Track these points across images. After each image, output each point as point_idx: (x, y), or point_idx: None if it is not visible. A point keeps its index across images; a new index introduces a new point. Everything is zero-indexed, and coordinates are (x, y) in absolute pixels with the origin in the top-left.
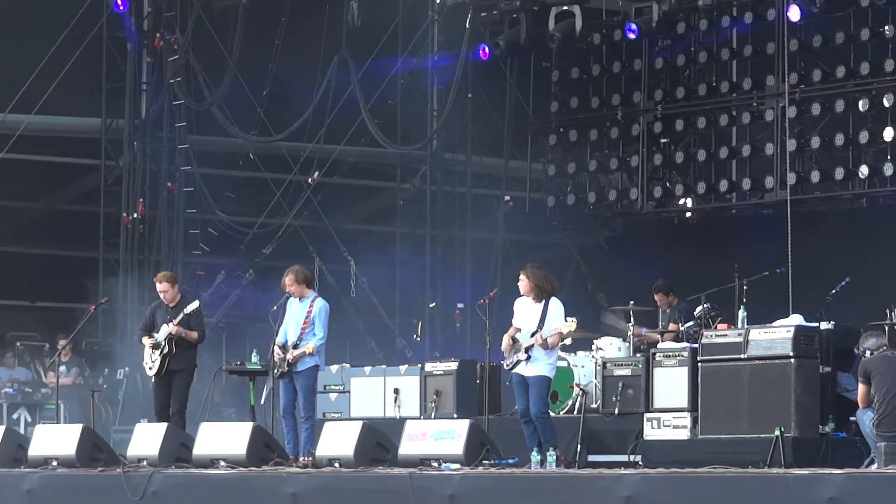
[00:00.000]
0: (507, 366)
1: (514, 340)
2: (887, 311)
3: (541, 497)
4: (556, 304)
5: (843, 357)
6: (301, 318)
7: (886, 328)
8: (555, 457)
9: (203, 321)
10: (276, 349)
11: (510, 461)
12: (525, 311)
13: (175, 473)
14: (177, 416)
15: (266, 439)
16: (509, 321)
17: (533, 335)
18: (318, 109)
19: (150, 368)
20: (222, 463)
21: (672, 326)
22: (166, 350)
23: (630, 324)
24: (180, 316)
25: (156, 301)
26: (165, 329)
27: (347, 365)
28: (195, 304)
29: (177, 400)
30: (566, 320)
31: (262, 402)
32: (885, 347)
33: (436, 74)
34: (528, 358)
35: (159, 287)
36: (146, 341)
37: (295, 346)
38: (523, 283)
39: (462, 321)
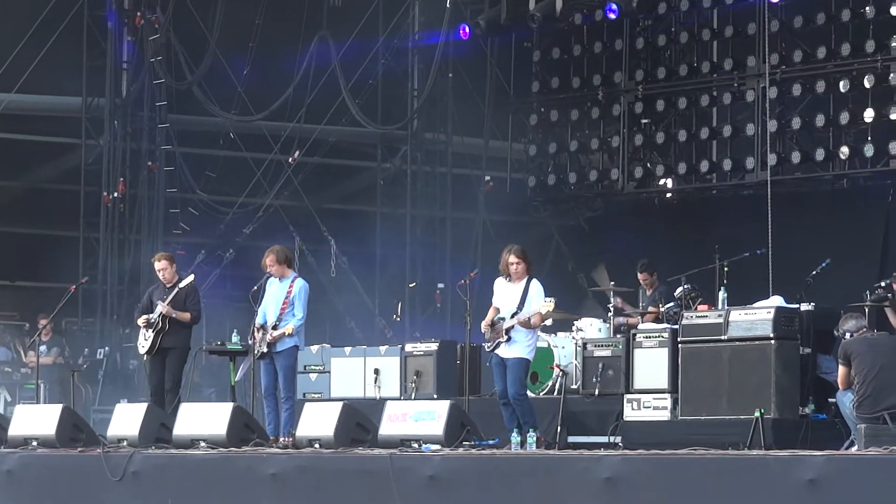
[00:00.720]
0: (488, 347)
1: (493, 322)
2: (866, 293)
3: (521, 478)
4: (535, 285)
5: (824, 339)
6: (281, 298)
7: (866, 310)
8: (535, 438)
9: (199, 301)
10: (256, 330)
11: (490, 442)
12: (505, 291)
13: (155, 454)
14: (170, 394)
15: (246, 420)
16: (489, 301)
17: (513, 316)
18: (298, 89)
19: (143, 346)
20: (202, 443)
21: (652, 308)
22: (159, 326)
23: (610, 304)
24: (174, 291)
25: (154, 284)
26: (159, 309)
27: (327, 345)
28: (190, 278)
29: (170, 378)
30: (545, 300)
31: (237, 380)
32: (864, 329)
33: (416, 54)
34: (508, 339)
35: (158, 265)
36: (140, 321)
37: (275, 327)
38: (520, 266)
39: (442, 301)
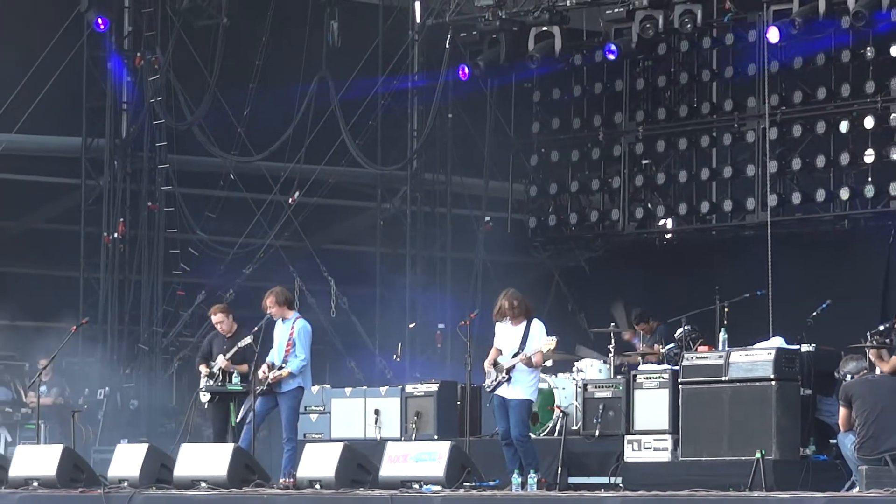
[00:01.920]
0: (489, 387)
1: (496, 363)
2: (866, 334)
3: None
4: (537, 325)
5: (824, 380)
6: (284, 339)
7: (867, 352)
8: (536, 479)
9: (254, 355)
10: (265, 368)
11: (491, 483)
12: (506, 333)
13: (156, 494)
14: (233, 438)
15: (247, 460)
16: (490, 342)
17: (515, 356)
18: (298, 129)
19: (205, 395)
20: (203, 484)
21: (652, 348)
22: (220, 379)
23: (610, 346)
24: (234, 349)
25: (213, 331)
26: (220, 360)
27: (328, 386)
28: (248, 339)
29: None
30: (548, 339)
31: (237, 421)
32: (865, 371)
33: (416, 95)
34: (509, 379)
35: (214, 319)
36: (203, 369)
37: (279, 368)
38: (516, 309)
39: (443, 342)
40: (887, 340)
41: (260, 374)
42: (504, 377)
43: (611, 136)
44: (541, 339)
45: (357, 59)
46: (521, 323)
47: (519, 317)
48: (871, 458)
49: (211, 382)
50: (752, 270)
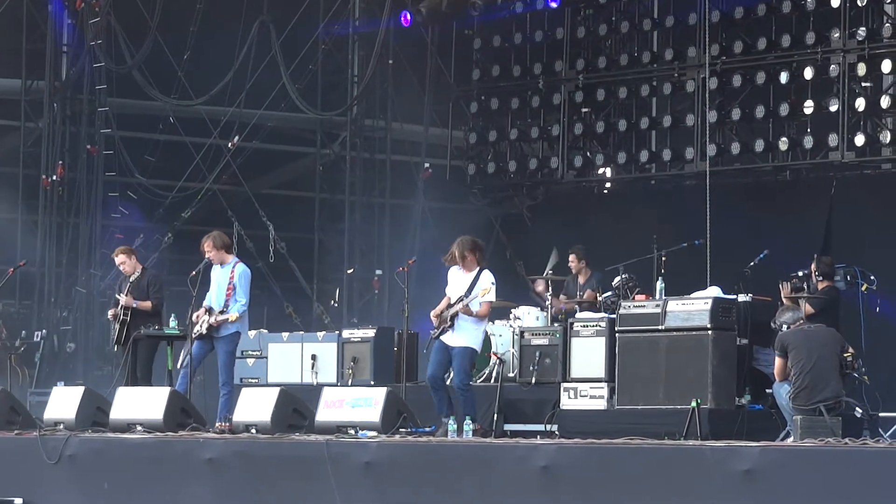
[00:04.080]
0: (433, 334)
1: (443, 311)
2: (781, 282)
3: (457, 466)
4: (486, 275)
5: (761, 330)
6: (224, 284)
7: (780, 302)
8: (471, 426)
9: (161, 290)
10: (203, 312)
11: (427, 430)
12: (456, 280)
13: (92, 437)
14: (142, 383)
15: (183, 404)
16: (427, 289)
17: (459, 302)
18: (238, 74)
19: (112, 338)
20: (139, 427)
21: (588, 294)
22: (122, 318)
23: (547, 293)
24: (128, 284)
25: (121, 276)
26: (122, 298)
27: (265, 330)
28: (144, 271)
29: (140, 367)
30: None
31: (178, 367)
32: (801, 321)
33: (357, 40)
34: (452, 326)
35: (117, 260)
36: (110, 313)
37: (221, 312)
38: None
39: (380, 288)
40: (804, 285)
41: (195, 317)
42: (447, 325)
43: (551, 84)
44: (488, 291)
45: (299, 3)
46: (473, 271)
47: (470, 265)
48: (806, 408)
49: (116, 323)
50: (691, 220)
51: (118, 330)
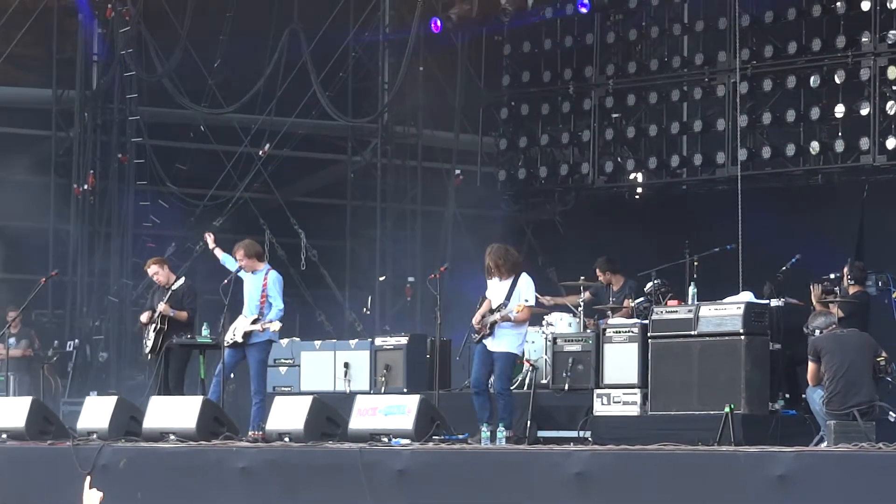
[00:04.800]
0: (475, 340)
1: (484, 316)
2: (812, 284)
3: (490, 473)
4: (524, 280)
5: (794, 335)
6: (257, 292)
7: (813, 306)
8: (504, 433)
9: (195, 300)
10: (242, 319)
11: (460, 437)
12: (495, 286)
13: (125, 447)
14: (175, 392)
15: (216, 413)
16: (460, 295)
17: (498, 310)
18: (269, 81)
19: (146, 346)
20: (172, 436)
21: (625, 303)
22: (158, 326)
23: (581, 298)
24: (168, 294)
25: (154, 287)
26: (160, 306)
27: (297, 339)
28: (181, 281)
29: (173, 377)
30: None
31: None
32: (833, 326)
33: (387, 47)
34: (492, 334)
35: (150, 271)
36: (143, 318)
37: (256, 321)
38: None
39: (412, 295)
40: (836, 289)
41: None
42: (487, 332)
43: (581, 89)
44: (526, 295)
45: (328, 11)
46: (510, 278)
47: (506, 273)
48: (840, 413)
49: (151, 330)
50: (723, 225)
51: (153, 339)
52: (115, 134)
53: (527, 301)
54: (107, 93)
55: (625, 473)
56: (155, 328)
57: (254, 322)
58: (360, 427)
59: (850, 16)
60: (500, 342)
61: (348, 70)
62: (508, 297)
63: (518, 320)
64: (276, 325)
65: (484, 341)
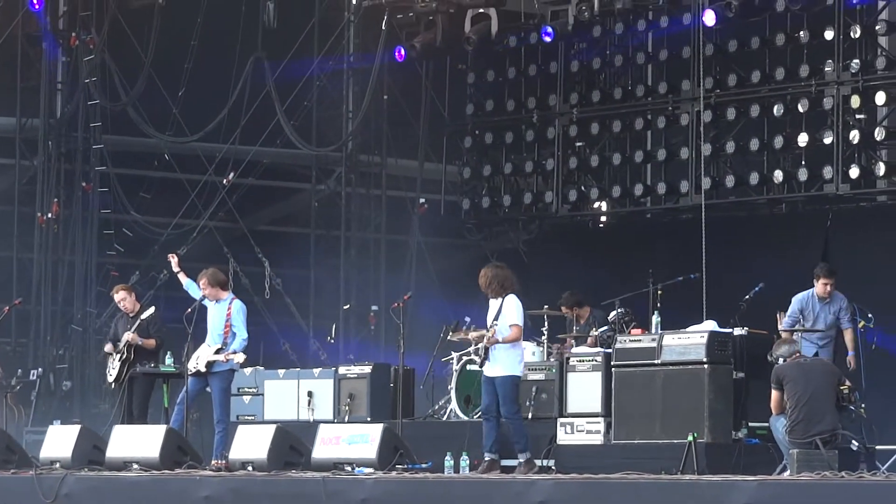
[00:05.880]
0: (478, 365)
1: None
2: (778, 313)
3: (454, 502)
4: (509, 301)
5: (757, 363)
6: (221, 321)
7: (798, 335)
8: (526, 458)
9: (162, 328)
10: (206, 348)
11: (423, 466)
12: (490, 308)
13: (88, 476)
14: (138, 421)
15: (179, 442)
16: (423, 324)
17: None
18: (233, 110)
19: (110, 375)
20: (135, 465)
21: (589, 334)
22: (125, 356)
23: (543, 328)
24: (136, 322)
25: (118, 314)
26: (126, 335)
27: (261, 367)
28: (150, 310)
29: (137, 406)
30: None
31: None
32: (797, 354)
33: (351, 76)
34: (487, 357)
35: (117, 297)
36: (107, 348)
37: (219, 350)
38: (489, 284)
39: (376, 324)
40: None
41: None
42: (483, 357)
43: (545, 118)
44: (511, 317)
45: (293, 39)
46: (499, 298)
47: (496, 293)
48: (802, 442)
49: (117, 359)
50: (686, 254)
51: (118, 368)
52: (79, 162)
53: (512, 323)
54: (71, 121)
55: (588, 503)
56: (121, 357)
57: (217, 352)
58: (323, 456)
59: (814, 45)
60: (496, 366)
61: (313, 98)
62: (496, 319)
63: (506, 341)
64: (241, 357)
65: (484, 370)
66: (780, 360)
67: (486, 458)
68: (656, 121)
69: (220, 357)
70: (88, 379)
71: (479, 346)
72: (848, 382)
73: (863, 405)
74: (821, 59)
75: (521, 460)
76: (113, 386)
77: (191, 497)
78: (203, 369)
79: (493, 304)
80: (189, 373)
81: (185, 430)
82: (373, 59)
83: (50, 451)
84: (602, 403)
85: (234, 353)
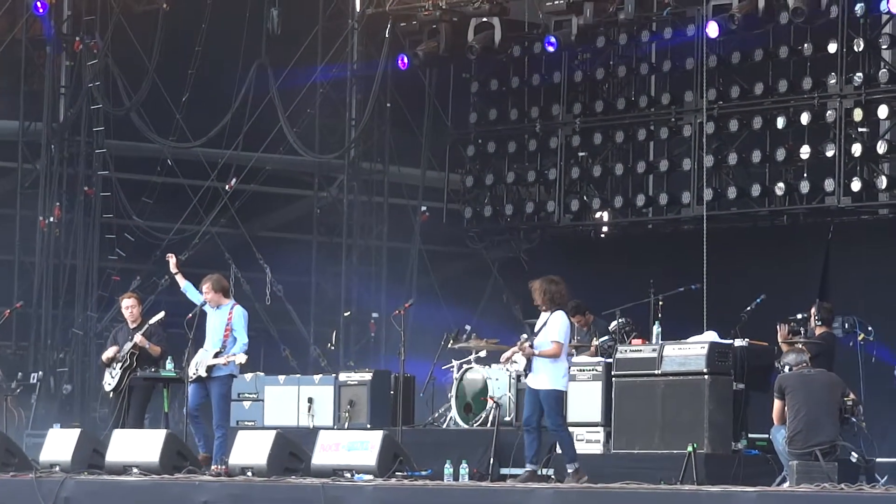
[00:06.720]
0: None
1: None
2: (779, 324)
3: None
4: (555, 317)
5: (758, 375)
6: (221, 327)
7: (777, 348)
8: (467, 469)
9: (163, 336)
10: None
11: (423, 473)
12: (538, 321)
13: (87, 479)
14: (135, 426)
15: (179, 447)
16: (424, 332)
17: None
18: (236, 116)
19: (109, 384)
20: (135, 470)
21: (590, 344)
22: (128, 363)
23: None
24: (146, 326)
25: (117, 326)
26: (129, 345)
27: (261, 373)
28: (160, 315)
29: (135, 411)
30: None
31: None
32: (804, 364)
33: (355, 84)
34: (530, 367)
35: (124, 304)
36: (105, 355)
37: (217, 354)
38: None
39: (377, 331)
40: (802, 329)
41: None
42: (524, 368)
43: (548, 128)
44: (553, 333)
45: (296, 46)
46: (548, 312)
47: (545, 306)
48: (802, 452)
49: (118, 367)
50: (688, 264)
51: (119, 375)
52: (82, 167)
53: (554, 339)
54: (74, 125)
55: None
56: (122, 365)
57: (216, 355)
58: (323, 462)
59: (817, 58)
60: (539, 378)
61: (315, 105)
62: (539, 333)
63: (545, 355)
64: (242, 358)
65: (528, 381)
66: (787, 369)
67: (528, 469)
68: (659, 132)
69: (221, 360)
70: (89, 383)
71: (514, 353)
72: (852, 395)
73: (864, 419)
74: (824, 72)
75: (570, 471)
76: (111, 395)
77: (190, 502)
78: (204, 374)
79: (543, 317)
80: (190, 379)
81: (184, 435)
82: (376, 66)
83: (50, 455)
84: (602, 413)
85: (235, 354)
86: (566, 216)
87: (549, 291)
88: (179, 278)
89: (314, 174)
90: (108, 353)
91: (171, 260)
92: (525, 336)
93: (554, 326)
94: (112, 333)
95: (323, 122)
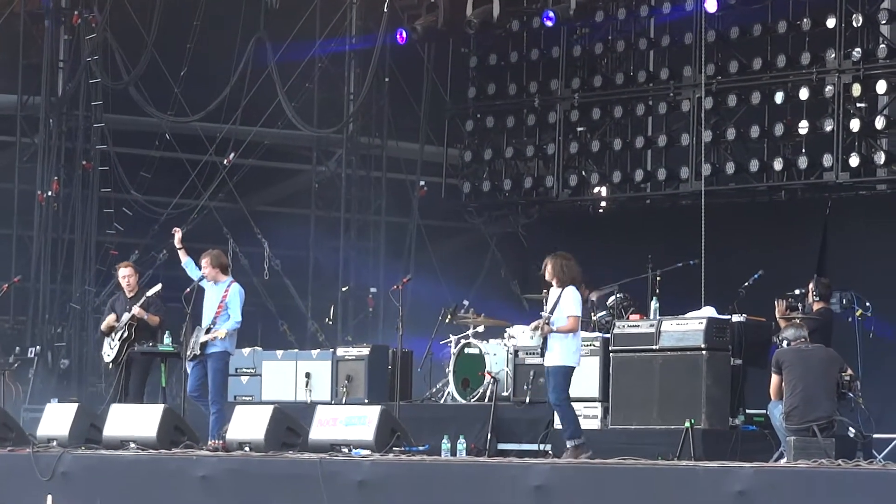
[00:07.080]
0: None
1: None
2: (777, 300)
3: (451, 485)
4: (567, 293)
5: (755, 350)
6: (216, 302)
7: (774, 322)
8: (465, 444)
9: (162, 307)
10: (199, 331)
11: (420, 448)
12: (550, 296)
13: (85, 454)
14: (135, 400)
15: (177, 422)
16: (422, 307)
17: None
18: (234, 90)
19: (108, 355)
20: (132, 445)
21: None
22: (125, 335)
23: (542, 312)
24: (143, 298)
25: (114, 295)
26: (127, 315)
27: (259, 348)
28: (157, 287)
29: (134, 386)
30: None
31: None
32: (802, 340)
33: (353, 58)
34: (545, 346)
35: (121, 273)
36: (104, 326)
37: (208, 330)
38: (550, 273)
39: (375, 306)
40: (799, 305)
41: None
42: (540, 346)
43: (546, 102)
44: (568, 308)
45: (295, 20)
46: (560, 288)
47: (558, 283)
48: (799, 428)
49: (116, 338)
50: (686, 240)
51: (118, 347)
52: (80, 141)
53: (570, 314)
54: (72, 99)
55: (584, 487)
56: (121, 336)
57: (206, 332)
58: (320, 437)
59: (816, 33)
60: (552, 355)
61: (314, 80)
62: (553, 310)
63: (560, 330)
64: (221, 333)
65: (544, 360)
66: (785, 344)
67: (569, 445)
68: (657, 107)
69: (209, 336)
70: (86, 357)
71: (537, 333)
72: (850, 371)
73: (861, 394)
74: (822, 47)
75: (569, 447)
76: (111, 366)
77: (187, 477)
78: (198, 352)
79: (553, 293)
80: (188, 356)
81: (182, 409)
82: (374, 41)
83: (47, 429)
84: (599, 388)
85: (218, 329)
86: (564, 191)
87: (565, 267)
88: (182, 253)
89: (312, 148)
90: (108, 321)
91: (177, 234)
92: (545, 313)
93: (569, 301)
94: (109, 302)
95: (321, 97)
